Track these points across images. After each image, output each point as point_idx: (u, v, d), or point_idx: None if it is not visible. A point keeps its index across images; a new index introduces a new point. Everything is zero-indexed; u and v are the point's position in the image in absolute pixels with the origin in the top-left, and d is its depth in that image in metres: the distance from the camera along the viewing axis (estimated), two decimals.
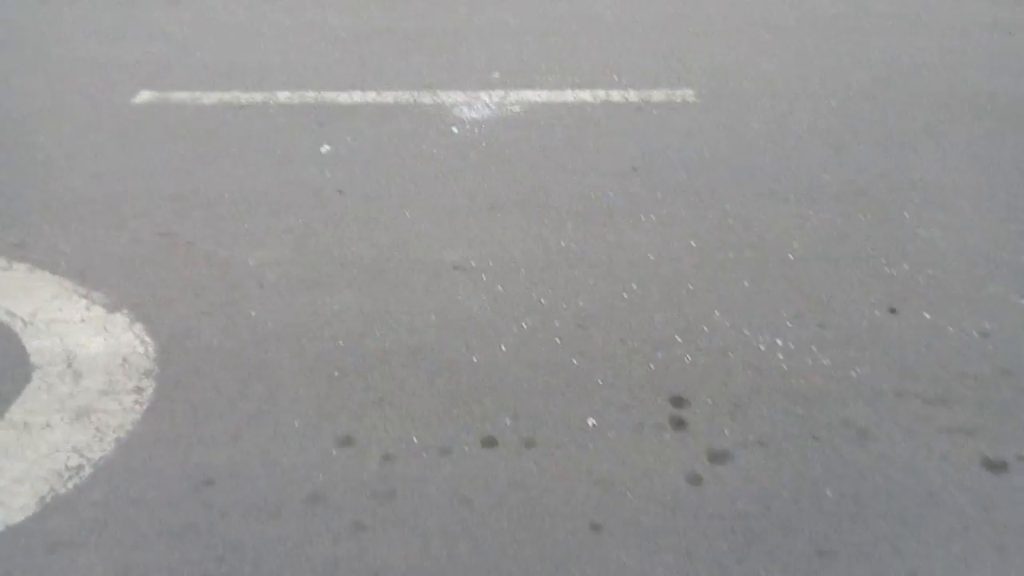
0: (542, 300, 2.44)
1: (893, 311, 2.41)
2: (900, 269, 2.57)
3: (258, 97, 3.68)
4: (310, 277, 2.53)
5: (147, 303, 2.38)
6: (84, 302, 2.38)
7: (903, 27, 4.26)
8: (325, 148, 3.27)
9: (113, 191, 2.96)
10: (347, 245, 2.69)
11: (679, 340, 2.29)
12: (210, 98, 3.67)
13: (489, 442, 1.88)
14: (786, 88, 3.67)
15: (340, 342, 2.28)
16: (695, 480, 1.77)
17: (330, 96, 3.69)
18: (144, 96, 3.70)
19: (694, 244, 2.69)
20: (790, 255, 2.63)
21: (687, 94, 3.64)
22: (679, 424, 1.93)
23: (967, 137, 3.28)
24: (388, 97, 3.68)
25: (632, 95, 3.65)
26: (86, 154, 3.23)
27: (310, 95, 3.70)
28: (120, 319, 2.32)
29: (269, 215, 2.84)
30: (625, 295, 2.47)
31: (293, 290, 2.47)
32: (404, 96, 3.67)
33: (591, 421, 1.94)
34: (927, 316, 2.38)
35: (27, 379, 2.06)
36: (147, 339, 2.24)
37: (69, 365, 2.14)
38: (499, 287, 2.50)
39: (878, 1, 4.57)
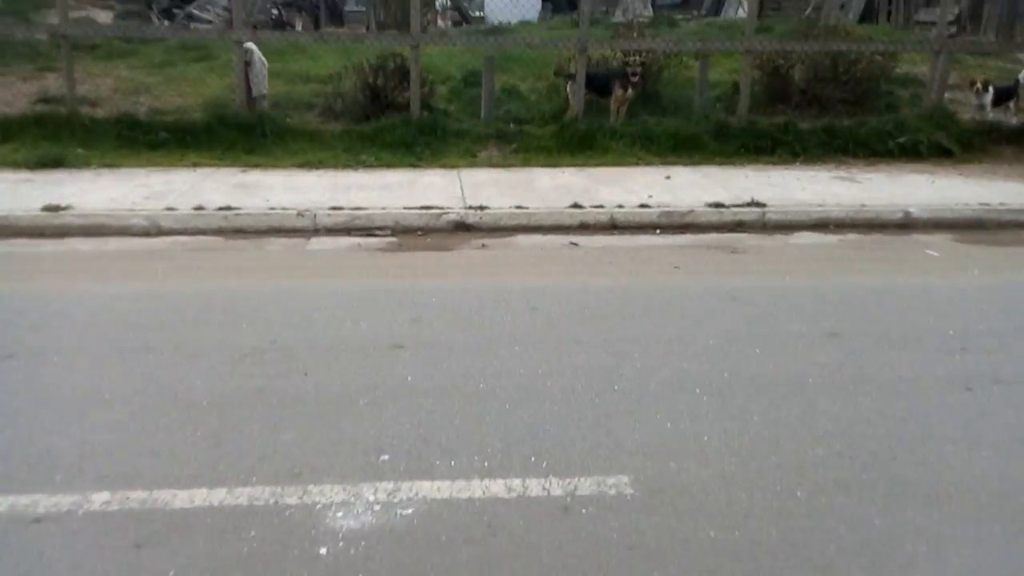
0: None
1: None
2: None
3: (65, 502, 2.78)
4: None
5: None
6: None
7: (850, 384, 3.80)
8: None
9: None
10: None
11: None
12: None
13: None
14: (739, 473, 3.02)
15: None
16: None
17: (163, 497, 2.82)
18: None
19: None
20: None
21: (622, 483, 2.94)
22: None
23: (973, 544, 2.62)
24: (241, 496, 2.83)
25: (555, 485, 2.92)
26: None
27: (136, 497, 2.82)
28: None
29: None
30: None
31: None
32: (262, 495, 2.84)
33: None
34: None
35: None
36: None
37: None
38: None
39: (816, 351, 4.18)
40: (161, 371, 3.89)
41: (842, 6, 20.05)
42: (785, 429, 3.35)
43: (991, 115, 9.57)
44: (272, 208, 6.99)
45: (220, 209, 6.90)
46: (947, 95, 9.92)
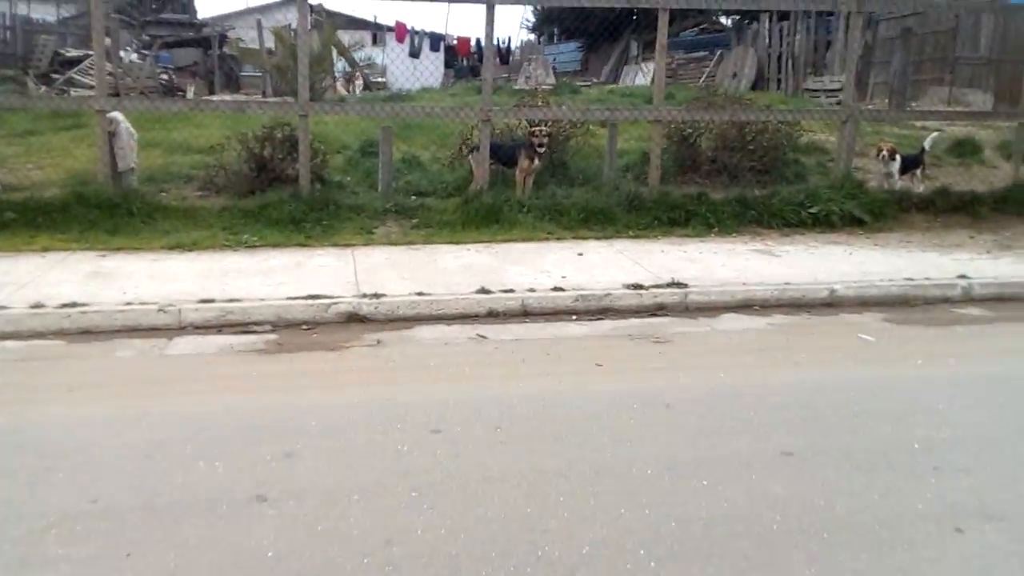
0: None
1: None
2: None
3: None
4: None
5: None
6: None
7: (823, 531, 3.13)
8: None
9: None
10: None
11: None
12: None
13: None
14: None
15: None
16: None
17: None
18: None
19: None
20: None
21: None
22: None
23: None
24: None
25: None
26: None
27: None
28: None
29: None
30: None
31: None
32: None
33: None
34: None
35: None
36: None
37: None
38: None
39: (772, 479, 3.51)
40: None
41: (734, 75, 20.53)
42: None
43: (899, 184, 9.46)
44: (129, 303, 5.96)
45: (64, 306, 5.82)
46: (853, 162, 9.81)
